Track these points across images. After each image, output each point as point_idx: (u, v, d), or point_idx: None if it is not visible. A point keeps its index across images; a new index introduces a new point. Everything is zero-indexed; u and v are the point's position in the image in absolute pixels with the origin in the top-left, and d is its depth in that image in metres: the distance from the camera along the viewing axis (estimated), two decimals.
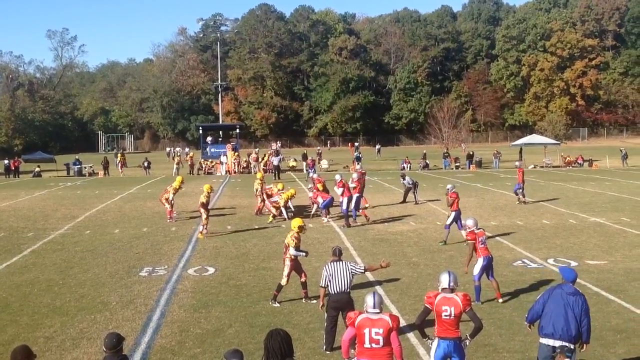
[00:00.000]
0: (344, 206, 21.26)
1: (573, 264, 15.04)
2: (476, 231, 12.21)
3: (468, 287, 12.25)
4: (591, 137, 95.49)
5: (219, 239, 19.04)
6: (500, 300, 12.14)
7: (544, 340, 7.75)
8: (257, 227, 21.19)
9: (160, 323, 11.18)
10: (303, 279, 12.33)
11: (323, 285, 9.71)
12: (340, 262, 9.82)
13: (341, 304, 9.52)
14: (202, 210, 19.58)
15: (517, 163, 32.31)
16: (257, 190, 23.75)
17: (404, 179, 27.37)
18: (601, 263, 15.21)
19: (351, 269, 9.80)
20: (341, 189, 21.58)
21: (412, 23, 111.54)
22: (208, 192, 20.11)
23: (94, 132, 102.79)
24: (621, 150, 52.22)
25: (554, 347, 7.63)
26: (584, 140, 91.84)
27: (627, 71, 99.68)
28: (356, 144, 53.26)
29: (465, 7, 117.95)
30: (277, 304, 12.11)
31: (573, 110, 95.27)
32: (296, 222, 12.73)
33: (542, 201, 27.12)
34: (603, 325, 10.69)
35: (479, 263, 12.09)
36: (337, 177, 22.75)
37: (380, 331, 6.89)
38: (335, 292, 9.52)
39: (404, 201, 27.08)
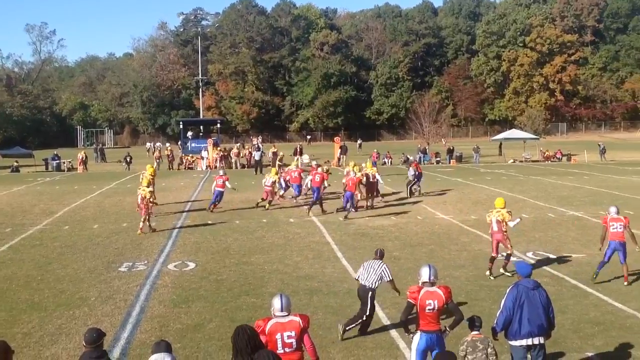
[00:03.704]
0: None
1: (552, 257, 15.19)
2: (612, 217, 13.04)
3: (448, 280, 12.33)
4: (570, 132, 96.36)
5: (199, 234, 18.95)
6: (625, 283, 12.80)
7: (521, 342, 7.68)
8: (237, 221, 21.14)
9: (140, 318, 11.12)
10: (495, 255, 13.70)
11: (357, 278, 10.29)
12: (377, 261, 10.16)
13: (359, 295, 10.11)
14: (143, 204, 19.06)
15: (411, 158, 34.17)
16: (273, 182, 24.02)
17: (408, 169, 27.92)
18: (579, 256, 15.36)
19: (382, 270, 10.02)
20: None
21: (394, 18, 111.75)
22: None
23: (72, 127, 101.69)
24: (599, 145, 52.66)
25: (528, 346, 7.68)
26: (562, 135, 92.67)
27: (606, 66, 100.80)
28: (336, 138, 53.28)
29: (446, 2, 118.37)
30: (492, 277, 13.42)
31: (552, 105, 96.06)
32: (501, 200, 14.39)
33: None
34: (581, 318, 10.81)
35: (610, 245, 12.85)
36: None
37: (293, 334, 6.58)
38: (361, 283, 10.04)
39: (410, 195, 26.84)
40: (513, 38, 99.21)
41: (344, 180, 23.02)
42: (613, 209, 13.27)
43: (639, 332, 10.03)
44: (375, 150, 48.34)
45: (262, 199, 24.14)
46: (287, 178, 25.94)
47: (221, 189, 23.31)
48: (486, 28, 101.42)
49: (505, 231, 13.64)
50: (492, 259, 13.69)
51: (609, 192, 28.18)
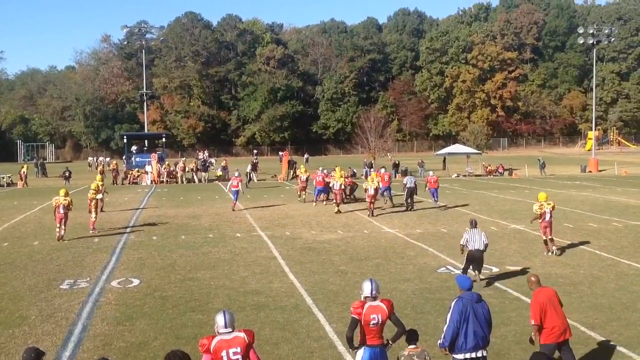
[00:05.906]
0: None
1: (494, 269, 15.48)
2: None
3: (394, 294, 12.43)
4: (511, 147, 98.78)
5: (144, 250, 18.65)
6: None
7: (466, 355, 7.75)
8: (183, 237, 20.90)
9: (82, 337, 10.86)
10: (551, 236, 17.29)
11: (463, 243, 13.87)
12: (476, 230, 13.93)
13: (476, 257, 13.79)
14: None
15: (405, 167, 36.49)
16: (340, 185, 26.94)
17: (407, 175, 28.87)
18: (521, 269, 15.68)
19: (483, 235, 13.88)
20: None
21: (339, 34, 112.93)
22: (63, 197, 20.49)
23: (13, 141, 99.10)
24: (539, 160, 54.07)
25: (472, 359, 7.78)
26: (504, 150, 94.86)
27: (545, 83, 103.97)
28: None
29: (390, 19, 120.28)
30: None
31: (494, 120, 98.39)
32: (544, 194, 17.76)
33: (459, 206, 27.83)
34: (523, 330, 11.01)
35: None
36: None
37: (238, 350, 6.52)
38: (474, 249, 13.68)
39: (408, 208, 27.42)
40: (455, 55, 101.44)
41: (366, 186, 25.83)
42: None
43: (579, 342, 10.26)
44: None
45: (336, 204, 26.57)
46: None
47: (236, 188, 27.41)
48: (429, 45, 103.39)
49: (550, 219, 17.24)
50: (545, 242, 17.31)
51: None
